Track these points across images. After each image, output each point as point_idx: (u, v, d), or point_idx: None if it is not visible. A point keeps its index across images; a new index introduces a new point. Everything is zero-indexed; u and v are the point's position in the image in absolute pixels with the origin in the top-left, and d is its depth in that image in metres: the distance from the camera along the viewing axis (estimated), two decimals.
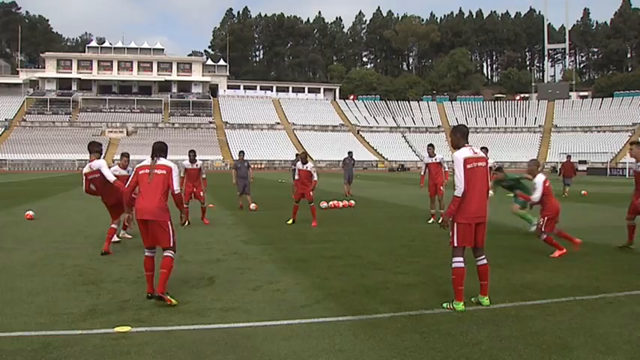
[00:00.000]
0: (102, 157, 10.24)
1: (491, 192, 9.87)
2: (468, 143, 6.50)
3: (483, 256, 6.52)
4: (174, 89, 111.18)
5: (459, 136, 6.57)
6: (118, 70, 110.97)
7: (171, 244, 6.76)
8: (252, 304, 6.57)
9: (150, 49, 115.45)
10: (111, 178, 9.90)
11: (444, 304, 6.39)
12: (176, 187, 6.87)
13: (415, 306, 6.43)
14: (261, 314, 6.13)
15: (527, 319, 5.97)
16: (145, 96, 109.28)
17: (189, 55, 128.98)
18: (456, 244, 6.39)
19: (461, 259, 6.35)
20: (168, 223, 6.74)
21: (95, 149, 10.08)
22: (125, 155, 12.19)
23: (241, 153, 18.73)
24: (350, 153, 27.61)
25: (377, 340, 5.28)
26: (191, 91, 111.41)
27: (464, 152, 6.37)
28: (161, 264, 6.64)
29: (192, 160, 14.72)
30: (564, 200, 22.43)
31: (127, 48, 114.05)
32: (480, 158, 6.42)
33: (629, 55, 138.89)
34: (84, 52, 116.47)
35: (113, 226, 10.27)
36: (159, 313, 6.18)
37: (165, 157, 7.02)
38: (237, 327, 5.70)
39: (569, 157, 26.58)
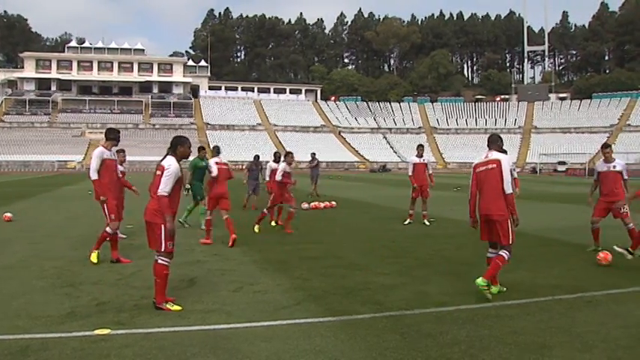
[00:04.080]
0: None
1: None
2: (490, 149, 7.28)
3: (501, 250, 7.05)
4: (155, 90, 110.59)
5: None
6: (98, 70, 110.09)
7: (163, 249, 6.43)
8: (233, 305, 6.55)
9: (130, 49, 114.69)
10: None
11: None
12: (160, 188, 6.39)
13: (396, 306, 6.45)
14: (241, 315, 6.11)
15: (506, 319, 6.01)
16: (126, 97, 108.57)
17: (170, 56, 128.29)
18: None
19: (491, 250, 7.26)
20: (161, 226, 6.39)
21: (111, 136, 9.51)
22: (121, 151, 11.87)
23: (256, 157, 19.01)
24: (314, 154, 27.52)
25: (357, 340, 5.29)
26: (172, 91, 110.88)
27: (477, 159, 7.35)
28: (153, 271, 6.50)
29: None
30: (543, 201, 22.66)
31: (108, 48, 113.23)
32: (489, 162, 7.13)
33: (606, 58, 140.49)
34: (63, 52, 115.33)
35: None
36: (139, 315, 6.14)
37: (173, 153, 6.67)
38: (218, 328, 5.68)
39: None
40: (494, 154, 7.12)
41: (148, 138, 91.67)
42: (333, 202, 20.34)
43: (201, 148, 14.18)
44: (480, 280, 6.73)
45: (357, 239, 12.06)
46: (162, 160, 6.60)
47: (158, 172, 6.52)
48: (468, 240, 11.24)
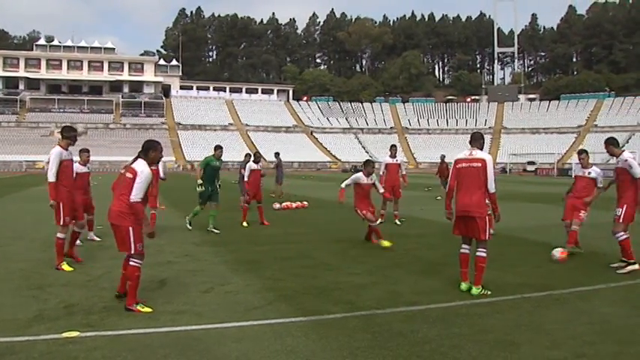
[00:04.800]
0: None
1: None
2: (473, 146, 7.38)
3: (480, 248, 7.23)
4: (126, 89, 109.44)
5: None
6: (68, 69, 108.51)
7: (133, 251, 6.35)
8: (204, 306, 6.51)
9: (101, 48, 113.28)
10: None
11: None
12: (134, 194, 6.25)
13: (367, 306, 6.48)
14: (212, 316, 6.08)
15: (476, 317, 6.09)
16: (96, 96, 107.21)
17: (141, 55, 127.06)
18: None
19: (464, 246, 7.43)
20: (130, 228, 6.31)
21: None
22: (85, 151, 11.66)
23: (248, 155, 18.69)
24: (277, 153, 27.43)
25: (329, 340, 5.31)
26: (143, 91, 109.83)
27: (459, 154, 7.48)
28: (126, 274, 6.47)
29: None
30: (513, 200, 22.93)
31: (77, 47, 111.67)
32: (474, 160, 7.22)
33: (574, 60, 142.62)
34: (31, 50, 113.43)
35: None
36: (108, 317, 6.06)
37: (145, 157, 6.54)
38: (189, 330, 5.65)
39: (443, 157, 25.33)
40: (479, 153, 7.25)
41: (118, 138, 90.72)
42: (305, 203, 20.33)
43: (217, 147, 13.91)
44: (474, 291, 7.02)
45: (329, 239, 12.09)
46: (132, 163, 6.49)
47: (129, 175, 6.40)
48: (438, 239, 11.34)
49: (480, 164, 7.12)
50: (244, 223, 14.47)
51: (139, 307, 6.25)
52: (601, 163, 10.62)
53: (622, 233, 8.70)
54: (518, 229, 13.55)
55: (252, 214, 14.88)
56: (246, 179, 15.06)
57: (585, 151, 10.43)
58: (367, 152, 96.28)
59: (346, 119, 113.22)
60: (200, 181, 12.96)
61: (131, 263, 6.39)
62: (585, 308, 6.50)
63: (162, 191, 15.17)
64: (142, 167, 6.40)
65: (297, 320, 5.94)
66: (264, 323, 5.85)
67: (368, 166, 11.59)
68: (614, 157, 9.09)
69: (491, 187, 7.10)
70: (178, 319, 5.98)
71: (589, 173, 10.18)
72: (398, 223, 14.71)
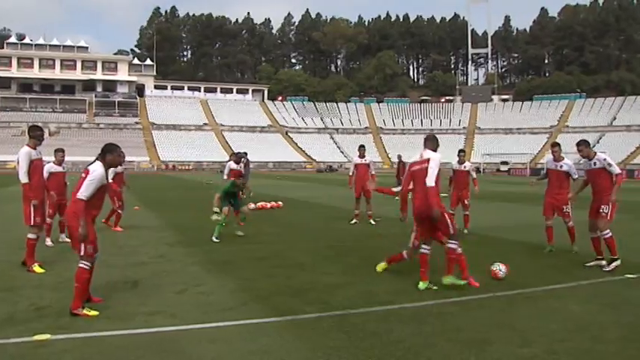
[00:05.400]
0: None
1: None
2: (426, 148, 7.53)
3: (452, 241, 7.39)
4: (99, 88, 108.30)
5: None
6: (40, 67, 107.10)
7: (82, 253, 6.27)
8: (178, 307, 6.48)
9: (73, 46, 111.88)
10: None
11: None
12: (80, 191, 6.18)
13: (341, 305, 6.49)
14: (186, 317, 6.04)
15: (448, 316, 6.13)
16: (69, 95, 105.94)
17: (114, 54, 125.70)
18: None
19: (424, 246, 7.48)
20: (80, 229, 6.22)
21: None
22: (60, 151, 11.47)
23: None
24: (245, 153, 27.26)
25: (303, 340, 5.31)
26: (117, 90, 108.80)
27: (412, 158, 7.65)
28: (74, 276, 6.30)
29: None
30: (485, 200, 23.13)
31: (49, 45, 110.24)
32: (423, 161, 7.37)
33: (546, 61, 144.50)
34: (2, 48, 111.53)
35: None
36: (80, 319, 5.99)
37: (102, 160, 6.49)
38: (162, 331, 5.61)
39: (400, 157, 25.34)
40: (428, 153, 7.37)
41: (91, 138, 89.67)
42: (280, 202, 20.32)
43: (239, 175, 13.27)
44: (446, 280, 7.25)
45: (303, 239, 12.08)
46: (89, 165, 6.46)
47: (83, 175, 6.37)
48: (406, 240, 11.36)
49: (427, 164, 7.29)
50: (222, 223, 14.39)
51: (85, 311, 6.12)
52: (574, 163, 10.80)
53: (608, 231, 8.81)
54: (491, 229, 13.68)
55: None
56: (225, 178, 15.00)
57: (558, 144, 10.53)
58: (342, 152, 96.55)
59: (321, 119, 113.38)
60: (217, 209, 12.05)
61: (80, 265, 6.27)
62: (556, 306, 6.59)
63: (136, 192, 15.05)
64: (95, 167, 6.37)
65: (272, 320, 5.94)
66: (238, 324, 5.83)
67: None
68: (588, 159, 9.18)
69: (430, 181, 7.14)
70: (152, 321, 5.94)
71: (561, 167, 10.32)
72: (372, 222, 14.76)
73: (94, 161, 6.49)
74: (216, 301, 6.73)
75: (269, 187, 34.87)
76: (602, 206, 8.93)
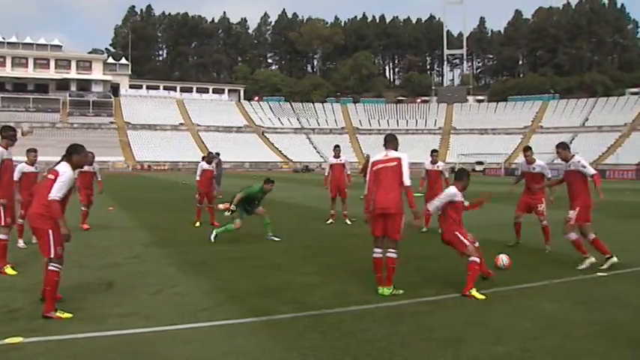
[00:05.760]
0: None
1: None
2: (391, 148, 7.41)
3: (392, 249, 7.15)
4: (74, 88, 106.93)
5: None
6: (12, 66, 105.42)
7: (52, 255, 6.17)
8: (153, 308, 6.43)
9: (47, 45, 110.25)
10: None
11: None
12: (53, 192, 6.14)
13: (317, 305, 6.50)
14: (161, 319, 6.00)
15: (424, 315, 6.18)
16: (42, 94, 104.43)
17: (89, 53, 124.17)
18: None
19: (377, 250, 7.28)
20: (49, 231, 6.16)
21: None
22: (32, 151, 11.30)
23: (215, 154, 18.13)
24: (218, 154, 27.14)
25: (278, 340, 5.31)
26: (91, 90, 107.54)
27: (375, 157, 7.50)
28: (45, 279, 6.22)
29: (89, 163, 13.91)
30: None
31: (22, 43, 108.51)
32: (389, 160, 7.27)
33: (520, 62, 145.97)
34: None
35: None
36: (53, 321, 5.91)
37: (69, 161, 6.45)
38: (137, 333, 5.56)
39: (368, 156, 25.18)
40: (394, 153, 7.34)
41: (65, 137, 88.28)
42: None
43: (269, 181, 12.20)
44: (386, 292, 7.00)
45: (279, 239, 12.06)
46: (55, 165, 6.40)
47: (50, 176, 6.30)
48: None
49: (395, 163, 7.21)
50: (197, 224, 14.35)
51: (58, 314, 6.05)
52: (547, 163, 10.98)
53: (573, 234, 8.97)
54: (466, 228, 13.75)
55: (202, 215, 14.74)
56: (197, 179, 14.92)
57: (530, 148, 10.93)
58: (319, 152, 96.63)
59: (297, 119, 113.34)
60: (234, 207, 11.52)
61: (50, 268, 6.17)
62: (529, 304, 6.67)
63: (111, 192, 14.92)
64: (64, 169, 6.34)
65: (247, 321, 5.92)
66: (213, 324, 5.81)
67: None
68: (566, 161, 9.37)
69: (407, 181, 7.11)
70: (126, 322, 5.88)
71: (534, 169, 10.70)
72: (348, 222, 14.80)
73: (60, 162, 6.45)
74: (192, 302, 6.69)
75: (246, 187, 34.73)
76: (569, 211, 9.10)
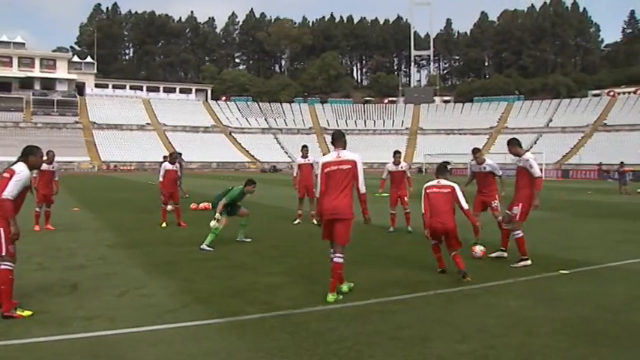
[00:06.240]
0: None
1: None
2: (340, 147, 7.11)
3: (339, 254, 6.95)
4: (37, 86, 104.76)
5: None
6: None
7: (4, 253, 6.10)
8: (117, 310, 6.36)
9: (9, 42, 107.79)
10: None
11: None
12: (7, 191, 6.10)
13: (284, 306, 6.50)
14: (126, 321, 5.94)
15: (391, 314, 6.22)
16: (4, 93, 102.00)
17: (53, 51, 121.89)
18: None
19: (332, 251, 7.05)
20: (0, 229, 6.08)
21: None
22: None
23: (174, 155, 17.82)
24: (180, 154, 26.92)
25: (245, 341, 5.30)
26: (55, 88, 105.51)
27: (325, 157, 7.14)
28: None
29: (48, 162, 13.64)
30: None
31: None
32: (342, 162, 6.94)
33: (486, 64, 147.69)
34: None
35: None
36: (15, 325, 5.81)
37: (24, 160, 6.45)
38: (101, 335, 5.49)
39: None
40: (348, 154, 7.04)
41: (29, 137, 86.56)
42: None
43: (251, 182, 11.86)
44: (330, 298, 6.77)
45: None
46: (12, 165, 6.36)
47: (6, 175, 6.25)
48: (354, 238, 11.46)
49: (350, 166, 6.92)
50: (163, 224, 14.24)
51: (18, 312, 6.00)
52: (512, 163, 11.06)
53: (519, 231, 9.16)
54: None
55: (168, 216, 14.63)
56: (161, 179, 14.80)
57: (479, 149, 11.36)
58: (286, 152, 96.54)
59: (265, 119, 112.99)
60: (218, 216, 11.05)
61: (3, 267, 6.11)
62: (494, 302, 6.77)
63: (76, 192, 14.70)
64: (21, 168, 6.32)
65: (214, 322, 5.90)
66: (180, 326, 5.77)
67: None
68: (518, 157, 9.56)
69: (362, 187, 6.96)
70: (91, 325, 5.81)
71: (484, 168, 10.98)
72: (315, 222, 14.80)
73: (16, 162, 6.42)
74: (157, 304, 6.64)
75: (212, 187, 34.57)
76: (513, 207, 9.27)
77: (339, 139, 7.21)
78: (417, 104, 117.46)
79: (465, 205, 8.28)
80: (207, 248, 10.67)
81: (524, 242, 9.18)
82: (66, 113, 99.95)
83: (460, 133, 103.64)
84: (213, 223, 10.89)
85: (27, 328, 5.68)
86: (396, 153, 13.98)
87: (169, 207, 14.97)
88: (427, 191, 8.59)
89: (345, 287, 7.10)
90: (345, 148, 7.13)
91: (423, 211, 8.55)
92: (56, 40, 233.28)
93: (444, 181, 8.65)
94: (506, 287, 7.62)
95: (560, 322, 5.95)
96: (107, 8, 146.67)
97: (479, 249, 9.73)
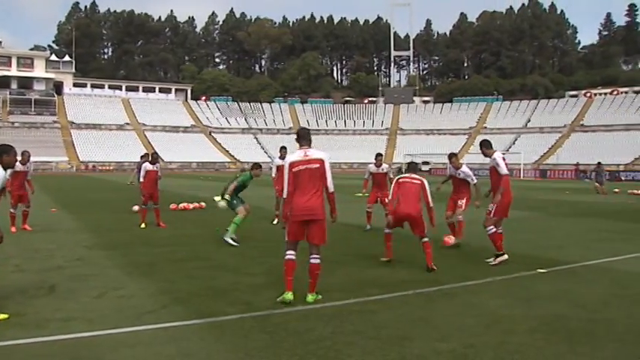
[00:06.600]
0: None
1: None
2: (306, 146, 7.01)
3: (316, 255, 6.92)
4: (14, 85, 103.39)
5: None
6: None
7: None
8: (96, 312, 6.31)
9: None
10: None
11: (278, 298, 6.75)
12: None
13: (264, 306, 6.50)
14: (104, 322, 5.89)
15: (370, 314, 6.24)
16: None
17: (30, 50, 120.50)
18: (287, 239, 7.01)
19: (292, 252, 6.95)
20: None
21: None
22: None
23: (146, 155, 17.61)
24: (155, 153, 26.78)
25: (224, 342, 5.29)
26: (33, 88, 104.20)
27: (292, 157, 7.01)
28: None
29: (23, 162, 13.47)
30: None
31: None
32: (311, 161, 6.85)
33: (465, 64, 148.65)
34: None
35: None
36: None
37: None
38: (80, 337, 5.44)
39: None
40: (315, 152, 6.96)
41: (6, 137, 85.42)
42: (203, 203, 20.12)
43: (258, 166, 12.28)
44: (310, 298, 6.76)
45: None
46: None
47: None
48: (333, 238, 11.49)
49: (318, 165, 6.85)
50: (142, 225, 14.13)
51: None
52: (488, 164, 11.19)
53: (492, 227, 9.27)
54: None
55: (148, 216, 14.53)
56: (141, 180, 14.70)
57: (455, 155, 11.76)
58: (266, 152, 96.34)
59: (245, 119, 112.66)
60: (228, 197, 11.50)
61: None
62: (473, 301, 6.82)
63: (54, 193, 14.55)
64: None
65: (193, 323, 5.88)
66: (158, 327, 5.74)
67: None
68: (489, 158, 9.73)
69: (331, 186, 6.91)
70: (68, 327, 5.75)
71: (459, 174, 11.37)
72: (275, 222, 14.89)
73: None
74: (136, 305, 6.59)
75: (192, 187, 34.44)
76: (490, 204, 9.38)
77: (305, 137, 7.11)
78: (396, 104, 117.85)
79: (431, 203, 9.17)
80: (233, 243, 11.05)
81: (499, 238, 9.28)
82: (43, 113, 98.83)
83: (440, 134, 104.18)
84: (221, 203, 11.30)
85: (3, 331, 5.59)
86: (378, 155, 14.18)
87: (136, 207, 15.08)
88: (399, 180, 9.34)
89: (310, 298, 6.84)
90: (310, 147, 7.04)
91: (391, 197, 9.31)
92: (34, 38, 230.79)
93: (415, 175, 9.41)
94: (484, 286, 7.68)
95: (538, 320, 6.01)
96: (86, 7, 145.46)
97: (448, 238, 10.69)
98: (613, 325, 5.89)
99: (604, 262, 9.53)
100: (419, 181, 9.17)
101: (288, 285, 6.78)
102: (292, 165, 6.90)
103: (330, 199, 6.98)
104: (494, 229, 9.28)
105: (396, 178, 9.48)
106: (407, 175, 9.40)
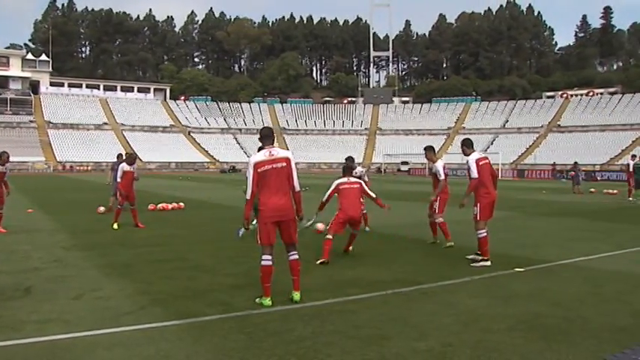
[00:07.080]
0: None
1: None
2: (270, 145, 6.90)
3: (294, 252, 6.91)
4: None
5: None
6: None
7: None
8: (73, 313, 6.24)
9: None
10: None
11: (257, 299, 6.72)
12: None
13: (243, 307, 6.48)
14: (81, 324, 5.84)
15: (349, 314, 6.25)
16: None
17: (6, 48, 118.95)
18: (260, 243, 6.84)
19: (268, 257, 6.78)
20: None
21: None
22: None
23: (119, 155, 17.52)
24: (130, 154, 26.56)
25: (203, 343, 5.26)
26: (9, 87, 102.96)
27: (256, 157, 6.85)
28: None
29: (2, 163, 13.25)
30: (386, 199, 23.68)
31: None
32: (276, 160, 6.72)
33: (444, 65, 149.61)
34: None
35: None
36: None
37: None
38: (56, 339, 5.38)
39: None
40: (280, 151, 6.85)
41: None
42: (181, 204, 20.00)
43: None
44: (296, 297, 6.77)
45: (205, 240, 11.98)
46: None
47: None
48: (312, 239, 11.50)
49: (285, 164, 6.75)
50: (115, 226, 13.93)
51: None
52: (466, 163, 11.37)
53: (482, 231, 9.28)
54: (391, 227, 14.04)
55: (126, 217, 14.41)
56: (118, 180, 14.57)
57: (429, 148, 11.79)
58: (245, 153, 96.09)
59: (224, 119, 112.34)
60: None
61: None
62: (451, 300, 6.86)
63: (30, 193, 14.38)
64: None
65: (171, 324, 5.85)
66: (136, 328, 5.69)
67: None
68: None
69: (297, 186, 6.87)
70: (44, 329, 5.69)
71: (431, 169, 11.54)
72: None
73: None
74: (114, 306, 6.54)
75: (171, 187, 34.24)
76: (473, 207, 9.41)
77: (269, 136, 6.98)
78: (376, 105, 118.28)
79: (373, 194, 10.21)
80: (308, 224, 10.46)
81: (485, 243, 9.24)
82: (20, 112, 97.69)
83: (419, 134, 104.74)
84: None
85: None
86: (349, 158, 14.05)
87: (102, 209, 15.09)
88: (340, 187, 9.88)
89: (296, 296, 6.83)
90: (274, 145, 6.95)
91: (325, 200, 9.88)
92: (9, 36, 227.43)
93: (352, 179, 10.13)
94: (463, 285, 7.73)
95: (516, 318, 6.07)
96: (63, 5, 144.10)
97: (321, 226, 11.67)
98: (588, 322, 5.97)
99: (580, 261, 9.63)
100: (357, 184, 9.96)
101: (266, 292, 6.68)
102: (257, 165, 6.70)
103: (296, 198, 6.92)
104: (486, 234, 9.24)
105: (335, 183, 9.90)
106: (345, 180, 9.98)
